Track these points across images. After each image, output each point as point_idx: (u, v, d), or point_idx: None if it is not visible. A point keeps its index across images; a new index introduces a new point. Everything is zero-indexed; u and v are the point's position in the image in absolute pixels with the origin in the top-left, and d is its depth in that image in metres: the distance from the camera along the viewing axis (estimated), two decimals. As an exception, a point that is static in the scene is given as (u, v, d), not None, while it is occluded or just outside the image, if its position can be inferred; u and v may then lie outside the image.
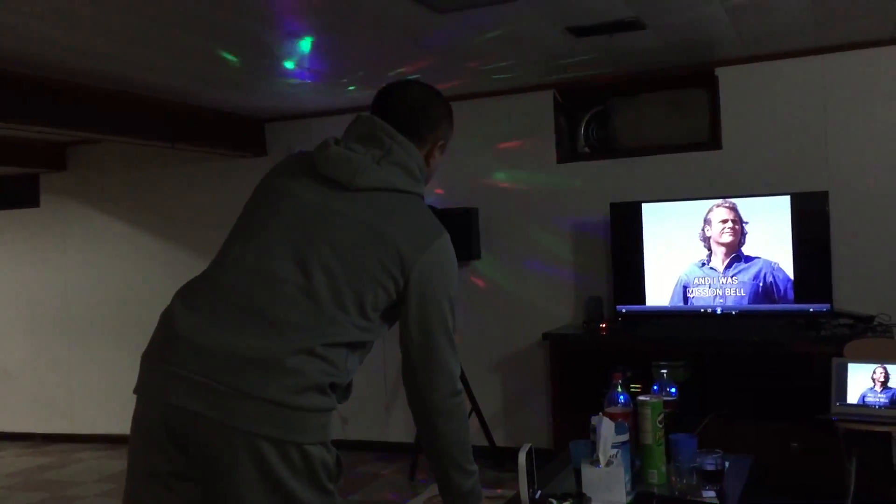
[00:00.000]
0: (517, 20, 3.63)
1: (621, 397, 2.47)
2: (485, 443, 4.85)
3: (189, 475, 1.65)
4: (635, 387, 3.56)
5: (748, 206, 4.35)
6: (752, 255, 4.33)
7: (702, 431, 2.57)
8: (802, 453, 3.98)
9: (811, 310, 4.21)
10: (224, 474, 1.60)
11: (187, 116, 5.14)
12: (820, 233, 4.23)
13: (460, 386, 1.84)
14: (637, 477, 2.39)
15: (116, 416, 5.24)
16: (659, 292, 4.52)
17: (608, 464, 2.20)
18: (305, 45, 3.93)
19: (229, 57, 4.07)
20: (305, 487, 1.63)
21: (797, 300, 4.23)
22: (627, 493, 2.21)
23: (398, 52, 4.11)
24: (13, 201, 6.56)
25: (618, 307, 4.61)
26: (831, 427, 3.64)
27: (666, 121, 4.89)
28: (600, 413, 2.32)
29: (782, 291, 4.27)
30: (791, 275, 4.25)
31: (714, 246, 4.41)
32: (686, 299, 4.46)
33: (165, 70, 4.24)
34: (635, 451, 2.41)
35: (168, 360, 1.65)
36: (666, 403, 2.49)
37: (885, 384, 3.62)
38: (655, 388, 2.70)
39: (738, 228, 4.36)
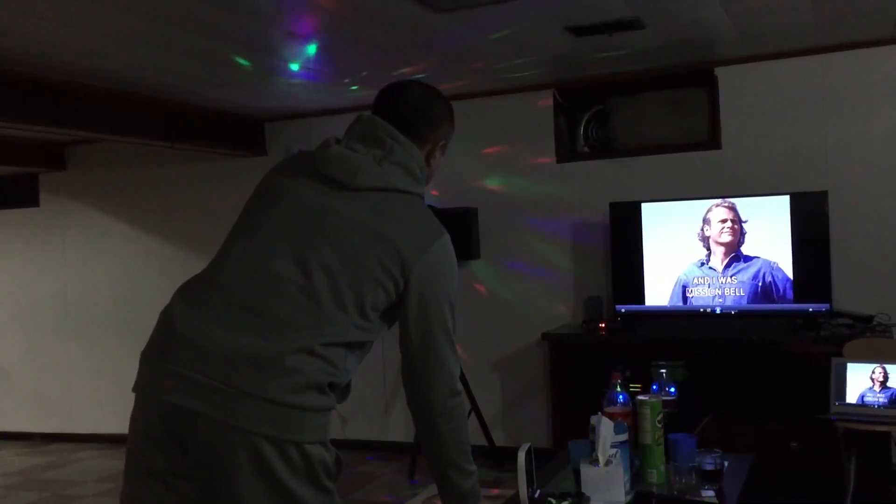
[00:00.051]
0: (517, 20, 3.63)
1: (620, 397, 2.47)
2: (484, 442, 4.85)
3: (188, 474, 1.65)
4: (634, 386, 3.56)
5: (747, 206, 4.35)
6: (752, 254, 4.33)
7: (701, 431, 2.57)
8: (802, 453, 3.98)
9: (810, 309, 4.21)
10: (223, 473, 1.60)
11: (187, 116, 5.14)
12: (819, 233, 4.23)
13: (460, 386, 1.85)
14: (636, 476, 2.39)
15: (116, 416, 5.23)
16: (658, 292, 4.52)
17: (607, 463, 2.20)
18: (312, 47, 3.95)
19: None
20: (305, 486, 1.63)
21: (796, 300, 4.23)
22: (626, 493, 2.22)
23: (401, 52, 4.11)
24: (13, 201, 6.56)
25: (617, 307, 4.62)
26: (830, 427, 3.64)
27: (665, 120, 4.89)
28: (599, 413, 2.32)
29: (781, 291, 4.27)
30: (790, 274, 4.25)
31: (713, 246, 4.41)
32: (685, 299, 4.46)
33: (165, 70, 4.24)
34: (634, 451, 2.41)
35: (167, 359, 1.66)
36: (665, 403, 2.50)
37: (884, 384, 3.62)
38: (655, 387, 2.70)
39: (738, 228, 4.36)
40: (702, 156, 4.73)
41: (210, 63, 4.13)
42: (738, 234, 4.36)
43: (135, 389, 1.72)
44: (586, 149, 5.10)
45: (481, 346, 5.19)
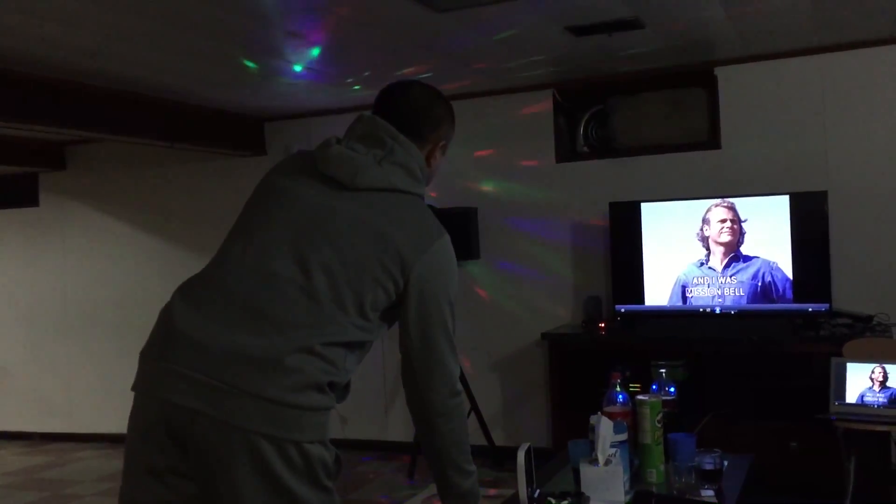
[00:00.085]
0: (517, 20, 3.63)
1: (620, 397, 2.47)
2: (484, 442, 4.85)
3: (187, 473, 1.65)
4: (634, 386, 3.56)
5: (747, 206, 4.35)
6: (751, 254, 4.33)
7: (700, 431, 2.57)
8: (801, 453, 3.99)
9: (810, 309, 4.21)
10: (222, 472, 1.61)
11: (187, 116, 5.14)
12: (819, 232, 4.23)
13: (460, 386, 1.85)
14: (636, 476, 2.39)
15: (115, 415, 5.22)
16: (658, 292, 4.52)
17: (607, 463, 2.20)
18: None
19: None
20: (304, 485, 1.63)
21: (796, 300, 4.24)
22: (626, 493, 2.22)
23: (403, 53, 4.11)
24: (12, 200, 6.56)
25: (616, 307, 4.62)
26: (830, 426, 3.64)
27: (665, 120, 4.89)
28: (599, 412, 2.32)
29: (781, 291, 4.27)
30: (790, 274, 4.25)
31: (713, 245, 4.41)
32: (685, 299, 4.46)
33: (166, 69, 4.24)
34: (634, 451, 2.41)
35: (167, 358, 1.66)
36: (665, 403, 2.50)
37: (883, 384, 3.62)
38: (654, 387, 2.70)
39: (737, 228, 4.36)
40: (701, 156, 4.73)
41: (210, 63, 4.13)
42: (738, 233, 4.36)
43: (134, 388, 1.72)
44: (586, 149, 5.10)
45: (481, 346, 5.19)
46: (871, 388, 3.64)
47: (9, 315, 6.58)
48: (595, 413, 2.30)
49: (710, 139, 4.74)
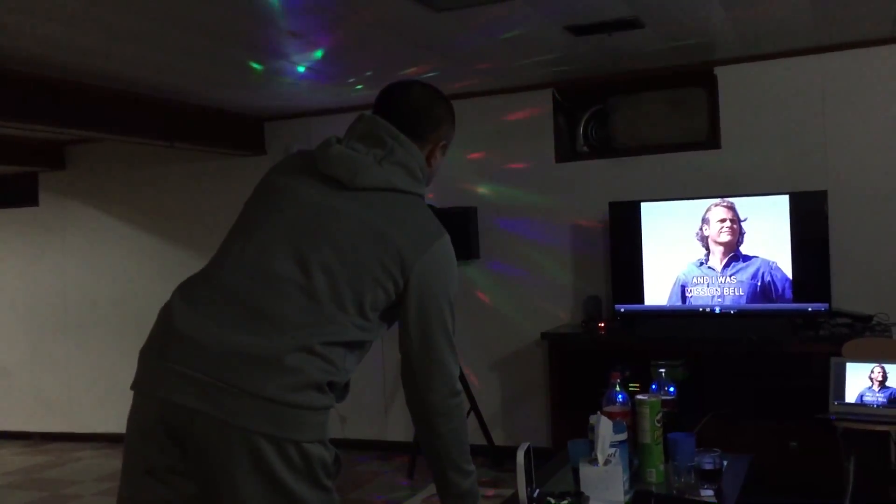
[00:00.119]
0: (516, 20, 3.63)
1: (620, 396, 2.47)
2: (483, 442, 4.86)
3: (186, 472, 1.66)
4: (634, 386, 3.56)
5: (746, 206, 4.35)
6: (751, 254, 4.33)
7: (700, 430, 2.57)
8: (801, 452, 3.99)
9: (809, 309, 4.21)
10: (222, 471, 1.61)
11: (187, 115, 5.14)
12: (818, 232, 4.23)
13: (459, 387, 1.85)
14: (635, 476, 2.39)
15: (115, 415, 5.24)
16: (657, 292, 4.52)
17: (606, 463, 2.20)
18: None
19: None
20: (303, 485, 1.63)
21: (795, 299, 4.24)
22: (625, 492, 2.22)
23: (405, 53, 4.12)
24: (12, 200, 6.56)
25: (616, 306, 4.62)
26: (829, 426, 3.64)
27: (665, 120, 4.89)
28: (599, 412, 2.32)
29: (780, 291, 4.27)
30: (789, 274, 4.25)
31: (712, 245, 4.41)
32: (684, 299, 4.47)
33: (166, 69, 4.24)
34: (633, 450, 2.41)
35: (166, 357, 1.66)
36: (664, 402, 2.50)
37: (883, 383, 3.62)
38: (654, 387, 2.70)
39: (736, 228, 4.36)
40: (701, 155, 4.73)
41: (211, 63, 4.13)
42: (737, 233, 4.36)
43: (133, 387, 1.72)
44: (586, 148, 5.10)
45: (481, 346, 5.19)
46: (870, 387, 3.64)
47: (9, 315, 6.58)
48: (595, 413, 2.30)
49: (710, 139, 4.74)
